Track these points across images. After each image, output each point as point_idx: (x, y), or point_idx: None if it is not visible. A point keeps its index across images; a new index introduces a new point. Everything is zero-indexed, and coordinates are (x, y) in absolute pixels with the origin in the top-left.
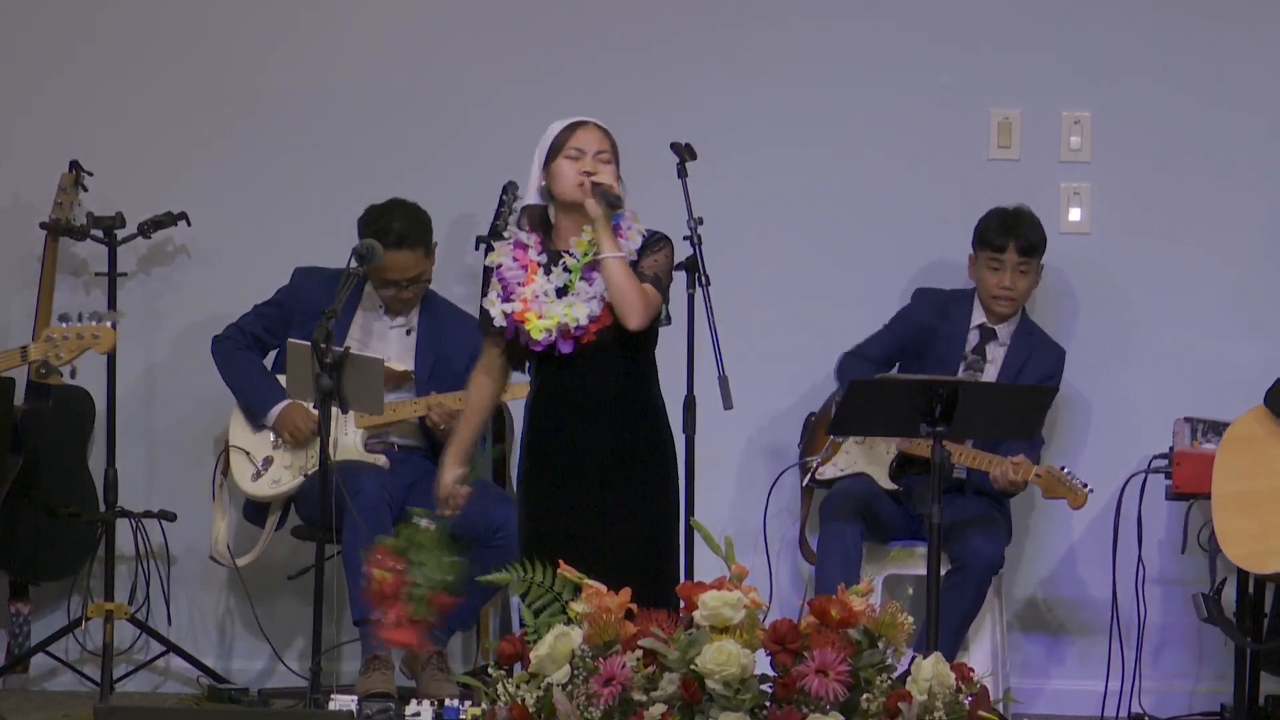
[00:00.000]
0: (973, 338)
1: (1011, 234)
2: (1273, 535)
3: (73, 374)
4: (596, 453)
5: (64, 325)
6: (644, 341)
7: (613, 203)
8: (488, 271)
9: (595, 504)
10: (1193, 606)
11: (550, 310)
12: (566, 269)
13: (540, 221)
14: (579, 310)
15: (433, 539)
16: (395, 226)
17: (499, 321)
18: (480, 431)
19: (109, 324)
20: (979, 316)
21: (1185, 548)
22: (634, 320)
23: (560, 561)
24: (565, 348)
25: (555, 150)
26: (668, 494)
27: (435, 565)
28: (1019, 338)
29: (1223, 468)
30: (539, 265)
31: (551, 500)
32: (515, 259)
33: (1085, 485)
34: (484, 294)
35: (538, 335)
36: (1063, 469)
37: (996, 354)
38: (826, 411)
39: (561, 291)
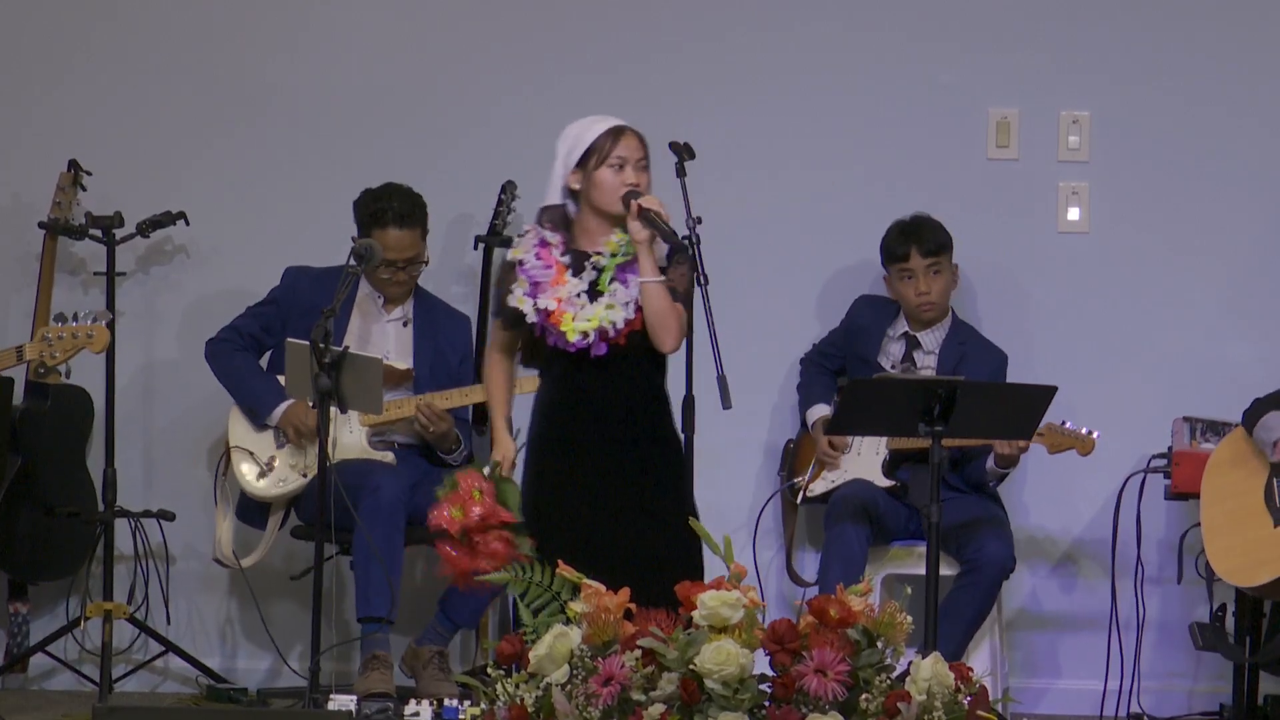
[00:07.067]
0: (899, 348)
1: (912, 239)
2: (1255, 549)
3: (67, 374)
4: (618, 452)
5: (59, 325)
6: None
7: (667, 236)
8: (508, 266)
9: (616, 503)
10: (1189, 633)
11: (587, 313)
12: (596, 268)
13: (561, 221)
14: (616, 313)
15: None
16: (395, 206)
17: (531, 318)
18: (511, 407)
19: (103, 323)
20: (903, 325)
21: (1181, 578)
22: (670, 344)
23: (560, 561)
24: (600, 350)
25: (595, 157)
26: (688, 490)
27: (515, 505)
28: (949, 344)
29: (1208, 492)
30: (565, 266)
31: (568, 498)
32: (539, 257)
33: (1089, 431)
34: (497, 285)
35: (573, 337)
36: (1062, 422)
37: (926, 361)
38: (804, 437)
39: (592, 291)
